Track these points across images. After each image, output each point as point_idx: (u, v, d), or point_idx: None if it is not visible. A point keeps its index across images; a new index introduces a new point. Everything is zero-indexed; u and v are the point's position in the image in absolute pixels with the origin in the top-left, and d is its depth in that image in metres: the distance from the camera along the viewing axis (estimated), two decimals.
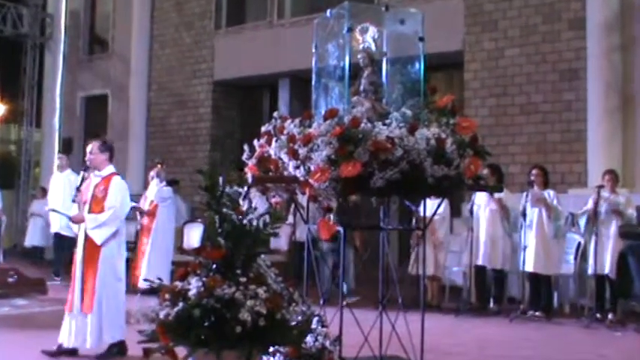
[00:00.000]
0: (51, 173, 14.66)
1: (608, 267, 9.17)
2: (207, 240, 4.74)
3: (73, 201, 7.08)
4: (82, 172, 7.16)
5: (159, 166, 11.86)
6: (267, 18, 15.84)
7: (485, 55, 12.58)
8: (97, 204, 6.83)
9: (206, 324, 4.21)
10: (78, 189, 7.01)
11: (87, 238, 6.79)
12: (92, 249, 6.76)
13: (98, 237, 6.72)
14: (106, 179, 6.93)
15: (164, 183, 11.54)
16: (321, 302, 5.35)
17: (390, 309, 5.59)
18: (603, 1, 11.37)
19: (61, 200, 11.18)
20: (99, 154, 6.98)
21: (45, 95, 20.08)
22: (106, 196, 6.82)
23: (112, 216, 6.78)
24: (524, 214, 9.52)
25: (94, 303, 6.66)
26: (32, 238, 16.21)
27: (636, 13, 11.36)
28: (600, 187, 9.28)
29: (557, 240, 9.75)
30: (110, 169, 7.03)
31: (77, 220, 6.91)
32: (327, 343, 4.78)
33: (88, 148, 7.04)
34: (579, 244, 9.92)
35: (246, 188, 4.81)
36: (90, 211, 6.84)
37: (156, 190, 11.38)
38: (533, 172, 9.80)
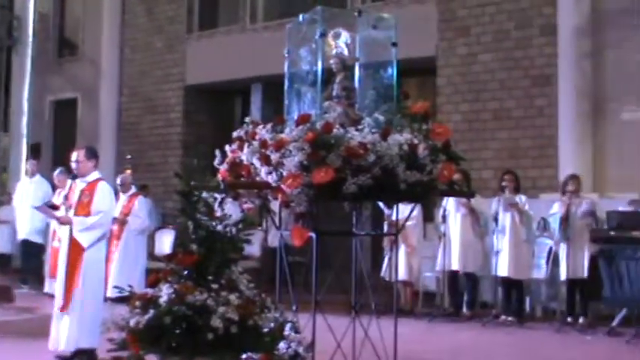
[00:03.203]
0: (19, 179, 14.47)
1: (579, 271, 9.23)
2: (179, 246, 4.70)
3: (54, 207, 7.09)
4: (69, 181, 7.15)
5: (126, 172, 11.70)
6: (239, 22, 15.78)
7: (458, 61, 12.61)
8: (82, 208, 6.84)
9: (177, 331, 4.16)
10: (66, 196, 7.02)
11: (72, 240, 6.77)
12: (76, 252, 6.74)
13: (85, 240, 6.73)
14: (92, 184, 6.94)
15: (133, 189, 11.36)
16: (294, 308, 5.31)
17: (363, 315, 5.57)
18: (574, 8, 11.45)
19: (28, 206, 11.06)
20: (86, 161, 6.99)
21: (12, 99, 19.82)
22: (92, 200, 6.82)
23: (100, 220, 6.82)
24: (496, 219, 9.58)
25: (73, 305, 6.63)
26: None
27: (607, 20, 11.45)
28: (572, 192, 9.36)
29: (528, 244, 9.81)
30: (95, 174, 7.05)
31: (65, 222, 6.89)
32: (300, 350, 4.74)
33: (74, 157, 7.01)
34: (551, 248, 9.98)
35: (222, 194, 4.76)
36: (75, 215, 6.84)
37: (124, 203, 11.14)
38: (506, 177, 9.87)
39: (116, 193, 9.31)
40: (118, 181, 11.28)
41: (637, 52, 11.14)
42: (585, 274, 9.20)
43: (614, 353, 7.92)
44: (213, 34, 16.26)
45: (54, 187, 11.74)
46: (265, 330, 4.40)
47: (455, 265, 9.94)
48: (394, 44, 5.54)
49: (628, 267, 8.85)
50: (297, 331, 4.82)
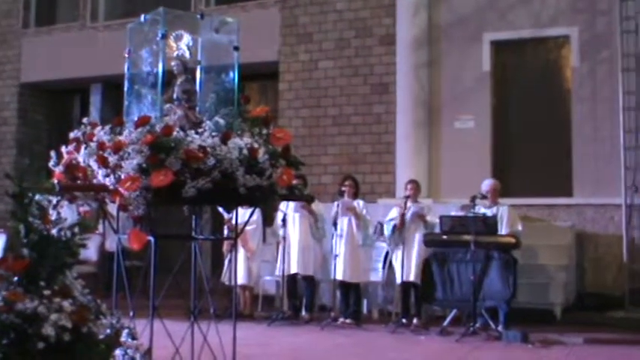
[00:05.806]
0: None
1: (413, 274, 9.56)
2: (10, 251, 4.52)
3: None
4: None
5: None
6: (79, 20, 15.33)
7: (299, 67, 12.79)
8: None
9: (4, 342, 4.00)
10: None
11: None
12: None
13: None
14: None
15: None
16: (131, 314, 5.22)
17: (201, 319, 5.54)
18: (412, 20, 11.89)
19: None
20: None
21: None
22: None
23: None
24: (335, 224, 9.76)
25: None
26: None
27: (442, 32, 11.96)
28: (407, 197, 9.67)
29: (366, 248, 10.06)
30: None
31: None
32: (138, 357, 4.66)
33: None
34: (387, 252, 10.27)
35: (58, 197, 4.61)
36: None
37: None
38: (346, 182, 10.05)
39: None
40: None
41: (469, 63, 11.69)
42: (417, 277, 9.52)
43: (445, 351, 8.25)
44: (52, 30, 15.72)
45: None
46: (101, 337, 4.30)
47: (294, 269, 10.05)
48: (236, 48, 5.55)
49: (459, 269, 9.25)
50: (134, 338, 4.74)
